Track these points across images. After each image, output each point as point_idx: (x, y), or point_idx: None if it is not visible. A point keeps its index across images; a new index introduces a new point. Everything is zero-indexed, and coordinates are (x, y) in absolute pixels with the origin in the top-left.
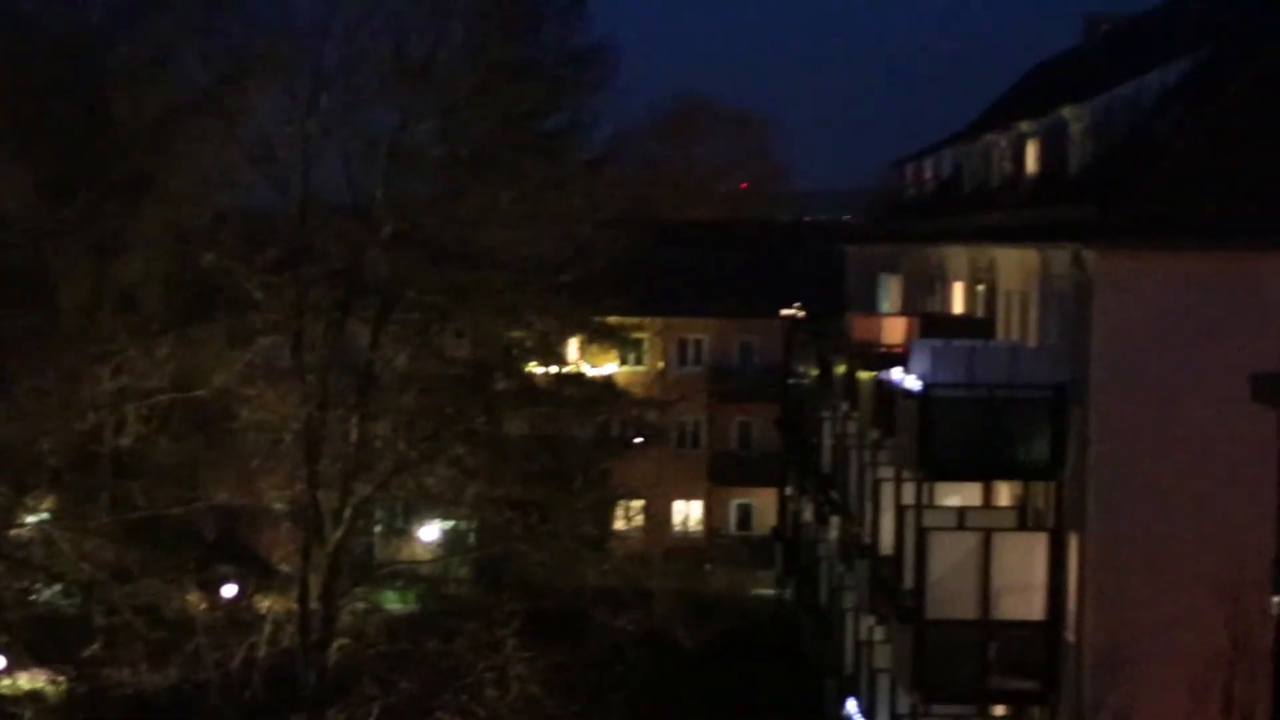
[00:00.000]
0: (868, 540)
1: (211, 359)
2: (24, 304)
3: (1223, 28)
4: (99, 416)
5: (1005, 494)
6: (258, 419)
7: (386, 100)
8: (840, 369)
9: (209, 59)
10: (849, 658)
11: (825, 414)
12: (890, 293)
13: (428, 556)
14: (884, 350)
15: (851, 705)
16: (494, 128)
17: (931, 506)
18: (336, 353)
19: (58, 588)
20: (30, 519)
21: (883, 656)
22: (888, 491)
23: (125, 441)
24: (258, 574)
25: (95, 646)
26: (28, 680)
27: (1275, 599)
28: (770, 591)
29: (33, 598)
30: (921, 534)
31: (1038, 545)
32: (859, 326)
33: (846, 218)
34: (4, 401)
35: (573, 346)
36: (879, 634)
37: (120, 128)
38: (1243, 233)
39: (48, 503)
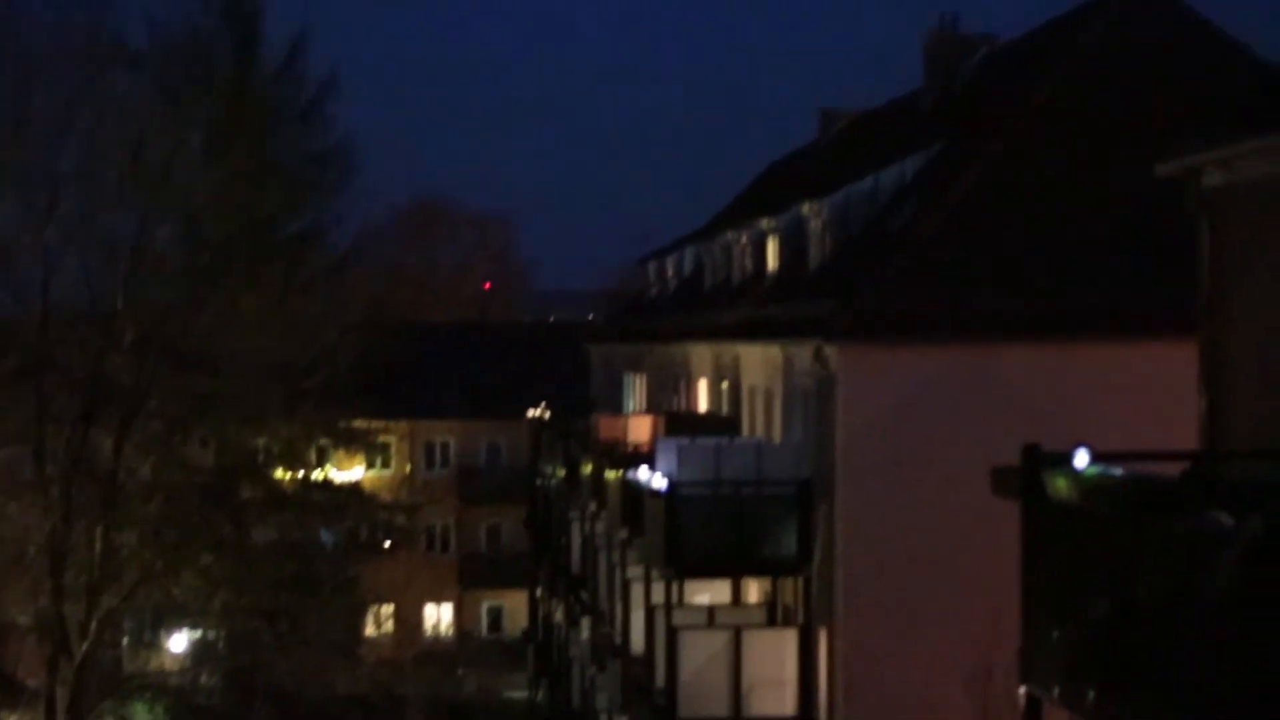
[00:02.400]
0: (619, 640)
1: None
2: None
3: (955, 123)
4: None
5: (755, 590)
6: None
7: (126, 205)
8: (587, 469)
9: None
10: None
11: (574, 514)
12: (635, 391)
13: (177, 667)
14: (630, 449)
15: None
16: (235, 232)
17: (681, 605)
18: (80, 463)
19: None
20: None
21: None
22: (637, 591)
23: None
24: (2, 689)
25: None
26: None
27: (1022, 688)
28: (523, 694)
29: None
30: (672, 633)
31: (788, 641)
32: (605, 426)
33: (591, 317)
34: None
35: (318, 451)
36: None
37: None
38: (980, 325)
39: None
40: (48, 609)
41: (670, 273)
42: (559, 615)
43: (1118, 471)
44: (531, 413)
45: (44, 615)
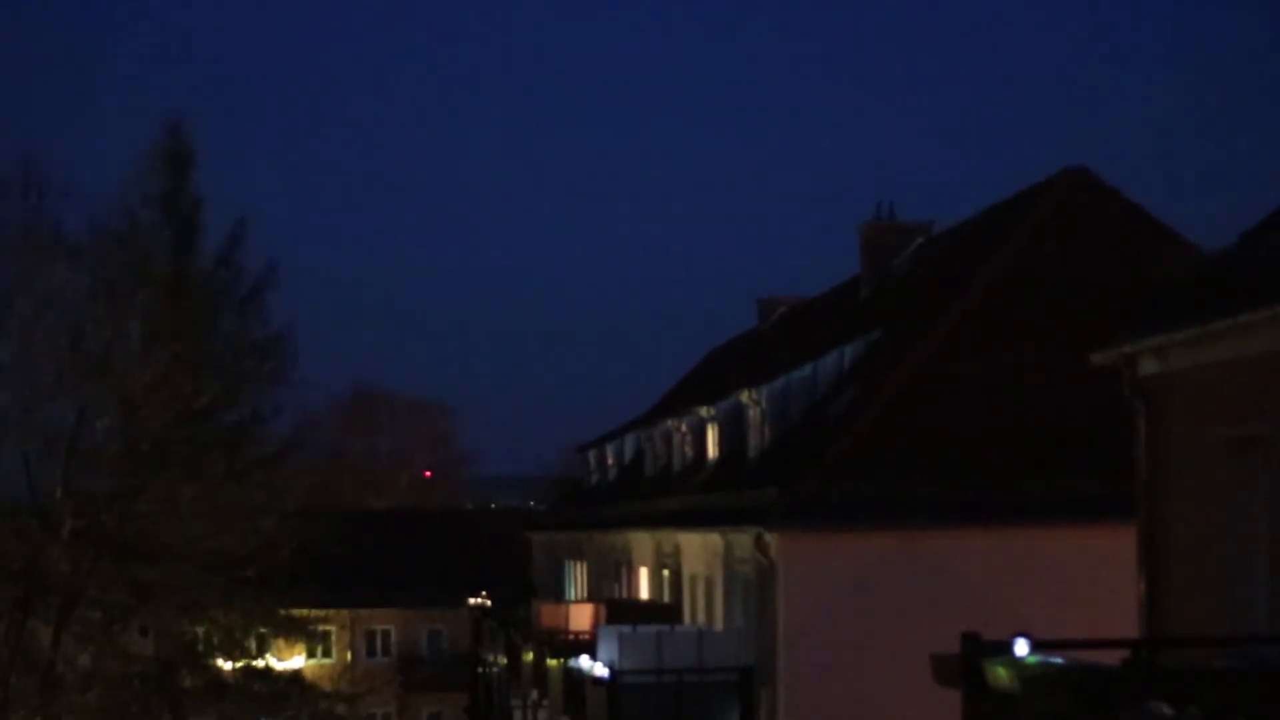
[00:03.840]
0: None
1: None
2: None
3: (892, 311)
4: None
5: None
6: None
7: (65, 395)
8: (528, 657)
9: None
10: None
11: (515, 702)
12: (576, 579)
13: None
14: (571, 637)
15: None
16: (173, 421)
17: None
18: (17, 652)
19: None
20: None
21: None
22: None
23: None
24: None
25: None
26: None
27: None
28: None
29: None
30: None
31: None
32: (546, 614)
33: (532, 504)
34: None
35: (258, 640)
36: None
37: None
38: (918, 512)
39: None
40: None
41: (610, 460)
42: None
43: (1058, 660)
44: (472, 601)
45: None
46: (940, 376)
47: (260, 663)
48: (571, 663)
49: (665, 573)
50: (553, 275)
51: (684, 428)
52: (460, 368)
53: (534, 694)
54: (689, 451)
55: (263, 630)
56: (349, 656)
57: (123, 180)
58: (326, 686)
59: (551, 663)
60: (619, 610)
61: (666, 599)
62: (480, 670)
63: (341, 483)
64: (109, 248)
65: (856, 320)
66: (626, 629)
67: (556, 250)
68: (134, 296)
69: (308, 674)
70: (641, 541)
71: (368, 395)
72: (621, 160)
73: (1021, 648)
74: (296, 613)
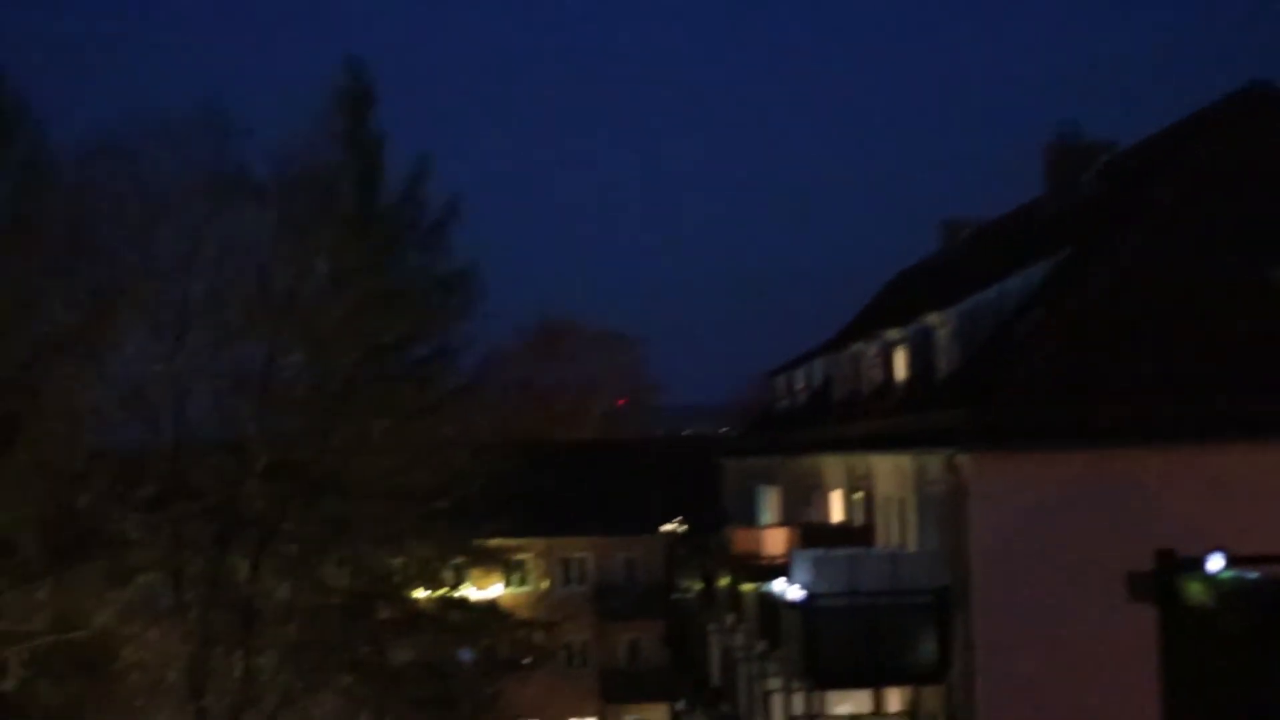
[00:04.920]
0: None
1: (91, 599)
2: None
3: (1079, 230)
4: None
5: (896, 699)
6: (140, 658)
7: (254, 335)
8: (724, 582)
9: (74, 300)
10: None
11: (712, 627)
12: (769, 504)
13: None
14: (765, 562)
15: None
16: (362, 358)
17: (822, 716)
18: (217, 588)
19: None
20: None
21: None
22: (778, 703)
23: (8, 685)
24: None
25: None
26: None
27: None
28: None
29: None
30: None
31: None
32: (739, 539)
33: (722, 431)
34: None
35: (454, 571)
36: None
37: None
38: (1110, 431)
39: None
40: None
41: (799, 385)
42: None
43: (1253, 575)
44: (666, 528)
45: None
46: (1128, 294)
47: (457, 593)
48: (766, 587)
49: (857, 496)
50: (737, 203)
51: (872, 351)
52: (648, 298)
53: (729, 619)
54: (878, 375)
55: (459, 561)
56: (545, 585)
57: (305, 120)
58: (524, 615)
59: (746, 588)
60: (812, 534)
61: (859, 522)
62: (675, 597)
63: (532, 414)
64: (294, 187)
65: (1043, 240)
66: (820, 553)
67: (741, 178)
68: (319, 235)
69: (505, 603)
70: (833, 465)
71: (557, 327)
72: (807, 84)
73: (1216, 563)
74: (492, 543)
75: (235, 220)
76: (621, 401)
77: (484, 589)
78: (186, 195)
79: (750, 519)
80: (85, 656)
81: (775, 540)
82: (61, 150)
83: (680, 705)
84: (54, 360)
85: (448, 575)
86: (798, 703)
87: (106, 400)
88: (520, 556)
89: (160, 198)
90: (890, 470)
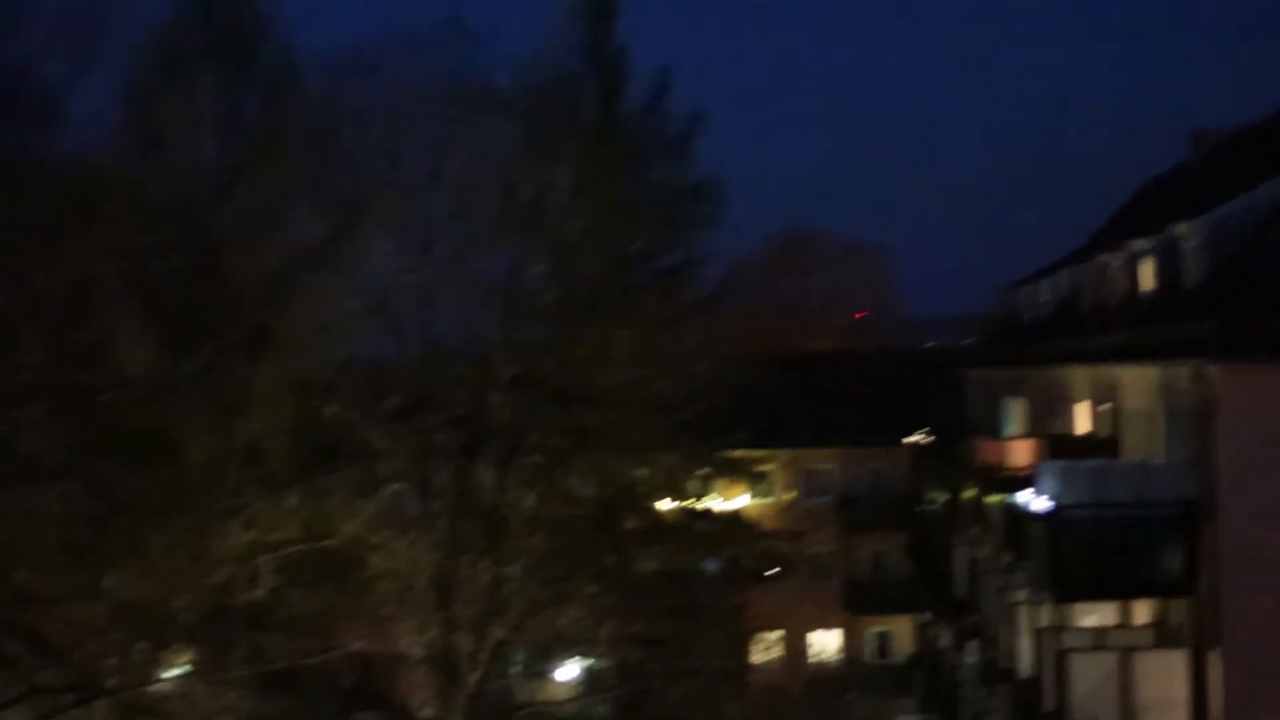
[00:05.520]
0: (1007, 664)
1: (339, 509)
2: (151, 462)
3: None
4: (231, 570)
5: (1142, 612)
6: (389, 566)
7: (499, 246)
8: (968, 494)
9: (321, 212)
10: None
11: (956, 539)
12: (1014, 416)
13: (566, 696)
14: (1011, 473)
15: None
16: (607, 268)
17: (1069, 627)
18: (463, 498)
19: None
20: (169, 674)
21: None
22: (1024, 614)
23: (258, 594)
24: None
25: None
26: None
27: None
28: (912, 718)
29: None
30: (1060, 655)
31: (1177, 662)
32: (985, 451)
33: (966, 342)
34: (137, 559)
35: (699, 481)
36: None
37: (236, 284)
38: None
39: (186, 657)
40: (438, 641)
41: (1045, 297)
42: (945, 640)
43: None
44: (910, 439)
45: (434, 647)
46: None
47: (702, 504)
48: (1012, 499)
49: (1104, 408)
50: (984, 111)
51: (1118, 262)
52: (893, 209)
53: (974, 530)
54: (1124, 285)
55: (704, 472)
56: (789, 496)
57: (548, 31)
58: (768, 526)
59: (991, 499)
60: (1058, 446)
61: (1105, 434)
62: (919, 509)
63: (776, 325)
64: (537, 98)
65: None
66: (1067, 464)
67: (986, 86)
68: (563, 146)
69: (749, 514)
70: (1079, 377)
71: (801, 238)
72: None
73: None
74: (737, 454)
75: (480, 131)
76: (864, 314)
77: (729, 500)
78: (432, 106)
79: (995, 431)
80: (334, 565)
81: (1021, 451)
82: (308, 62)
83: (925, 617)
84: (302, 272)
85: (693, 486)
86: (1044, 615)
87: (354, 312)
88: (765, 467)
89: (406, 109)
90: (1137, 382)
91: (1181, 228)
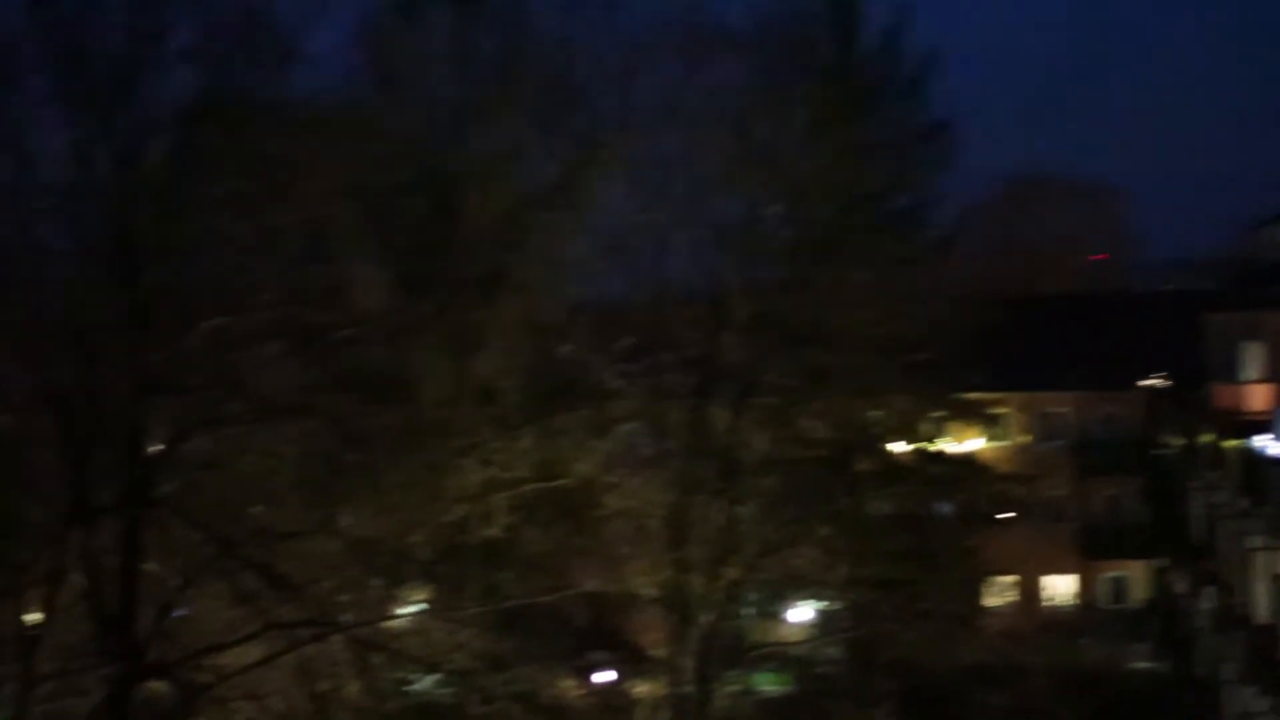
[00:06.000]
0: (1243, 610)
1: (573, 448)
2: (387, 400)
3: None
4: (466, 508)
5: None
6: (622, 506)
7: (733, 187)
8: (1205, 439)
9: (556, 153)
10: None
11: (1192, 484)
12: (1253, 360)
13: (798, 638)
14: (1249, 418)
15: None
16: (841, 209)
17: None
18: (697, 438)
19: (435, 677)
20: (405, 610)
21: None
22: (1260, 561)
23: (493, 532)
24: (630, 659)
25: None
26: None
27: None
28: (1146, 664)
29: (411, 688)
30: None
31: None
32: (1222, 395)
33: (1203, 285)
34: (374, 497)
35: (933, 424)
36: (1261, 705)
37: (472, 224)
38: None
39: (420, 594)
40: (670, 581)
41: None
42: (1181, 586)
43: None
44: (1145, 383)
45: (667, 587)
46: None
47: (935, 446)
48: (1250, 444)
49: None
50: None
51: None
52: (1127, 149)
53: (1211, 475)
54: None
55: (937, 414)
56: (1023, 439)
57: None
58: (1002, 469)
59: (1229, 444)
60: None
61: None
62: (1155, 453)
63: (1010, 267)
64: (772, 37)
65: None
66: None
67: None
68: (797, 86)
69: (983, 457)
70: None
71: (1035, 180)
72: None
73: None
74: (971, 396)
75: (713, 72)
76: (1100, 257)
77: (962, 442)
78: (666, 46)
79: (1233, 375)
80: (567, 504)
81: (1259, 396)
82: (543, 1)
83: (1161, 563)
84: (536, 212)
85: (927, 428)
86: None
87: (588, 252)
88: (998, 411)
89: (639, 49)
90: None
91: None
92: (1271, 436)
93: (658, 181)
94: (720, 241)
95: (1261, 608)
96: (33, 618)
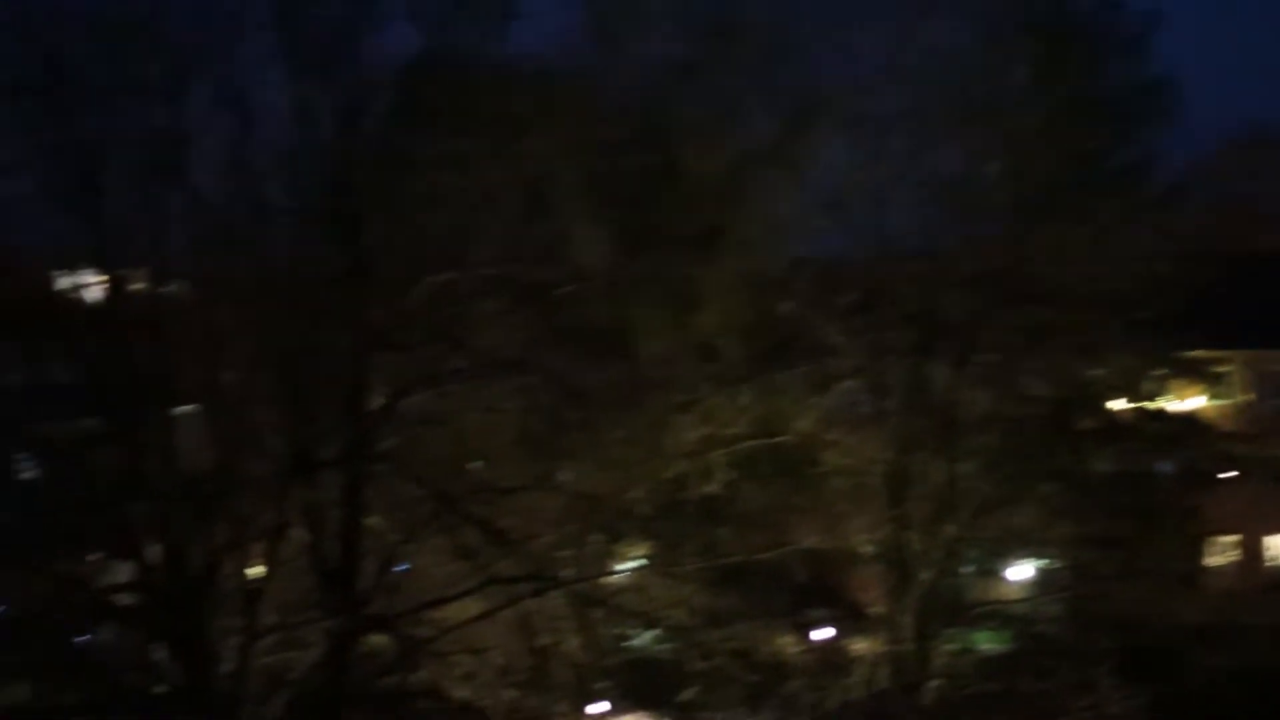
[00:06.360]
0: None
1: (792, 405)
2: (608, 356)
3: None
4: (685, 464)
5: None
6: (841, 463)
7: (953, 143)
8: None
9: (774, 108)
10: None
11: None
12: None
13: (1018, 596)
14: None
15: None
16: (1062, 165)
17: None
18: (916, 395)
19: (653, 633)
20: (624, 566)
21: None
22: None
23: (712, 488)
24: (849, 616)
25: (692, 690)
26: None
27: None
28: None
29: (630, 643)
30: None
31: None
32: None
33: None
34: (594, 452)
35: (1154, 382)
36: None
37: (691, 180)
38: None
39: (640, 550)
40: (889, 538)
41: None
42: None
43: None
44: None
45: (887, 544)
46: None
47: (1156, 404)
48: None
49: None
50: None
51: None
52: None
53: None
54: None
55: (1159, 372)
56: (1247, 398)
57: None
58: (1225, 428)
59: None
60: None
61: None
62: None
63: (1235, 225)
64: None
65: None
66: None
67: None
68: (1018, 41)
69: (1204, 416)
70: None
71: (1260, 136)
72: None
73: None
74: (1193, 354)
75: (933, 26)
76: None
77: (1184, 401)
78: (885, 1)
79: None
80: (786, 461)
81: None
82: None
83: None
84: (755, 169)
85: (1148, 386)
86: None
87: (807, 208)
88: (1221, 369)
89: (859, 4)
90: None
91: None
92: None
93: (877, 137)
94: (940, 198)
95: None
96: (255, 572)
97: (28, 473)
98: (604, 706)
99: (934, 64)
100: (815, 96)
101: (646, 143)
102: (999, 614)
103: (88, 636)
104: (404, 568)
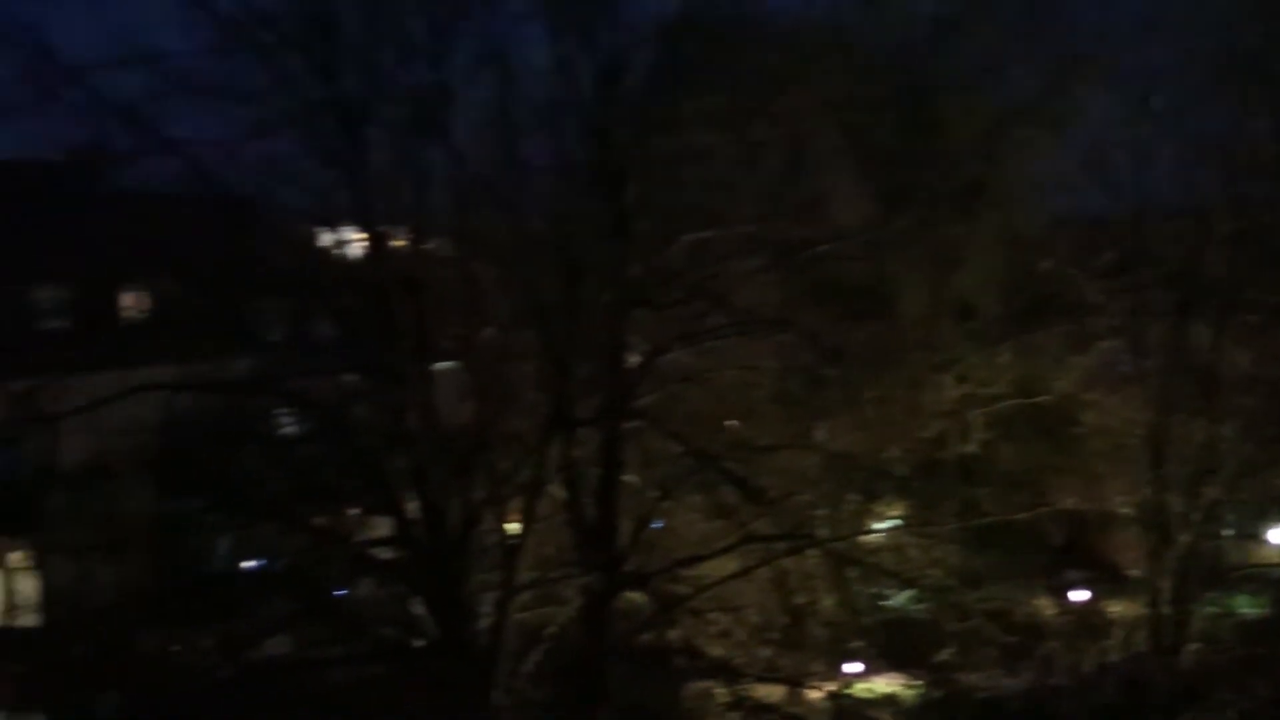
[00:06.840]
0: None
1: (1051, 365)
2: (866, 315)
3: None
4: (943, 424)
5: None
6: (1100, 424)
7: (1219, 99)
8: None
9: (1035, 65)
10: None
11: None
12: None
13: (1279, 560)
14: None
15: None
16: None
17: None
18: (1177, 355)
19: (909, 593)
20: (880, 525)
21: None
22: None
23: (970, 448)
24: (1106, 578)
25: (948, 651)
26: (884, 684)
27: None
28: None
29: (886, 603)
30: None
31: None
32: None
33: None
34: (851, 411)
35: None
36: None
37: (951, 137)
38: None
39: (897, 509)
40: (1149, 500)
41: None
42: None
43: None
44: None
45: (1145, 506)
46: None
47: None
48: None
49: None
50: None
51: None
52: None
53: None
54: None
55: None
56: None
57: None
58: None
59: None
60: None
61: None
62: None
63: None
64: None
65: None
66: None
67: None
68: None
69: None
70: None
71: None
72: None
73: None
74: None
75: None
76: None
77: None
78: None
79: None
80: (1045, 421)
81: None
82: None
83: None
84: (1016, 126)
85: None
86: None
87: (1067, 166)
88: None
89: None
90: None
91: None
92: None
93: (1141, 94)
94: (1206, 154)
95: None
96: (513, 528)
97: (290, 429)
98: (858, 666)
99: (1197, 19)
100: (1077, 51)
101: (906, 99)
102: (1259, 577)
103: (347, 590)
104: (660, 525)
